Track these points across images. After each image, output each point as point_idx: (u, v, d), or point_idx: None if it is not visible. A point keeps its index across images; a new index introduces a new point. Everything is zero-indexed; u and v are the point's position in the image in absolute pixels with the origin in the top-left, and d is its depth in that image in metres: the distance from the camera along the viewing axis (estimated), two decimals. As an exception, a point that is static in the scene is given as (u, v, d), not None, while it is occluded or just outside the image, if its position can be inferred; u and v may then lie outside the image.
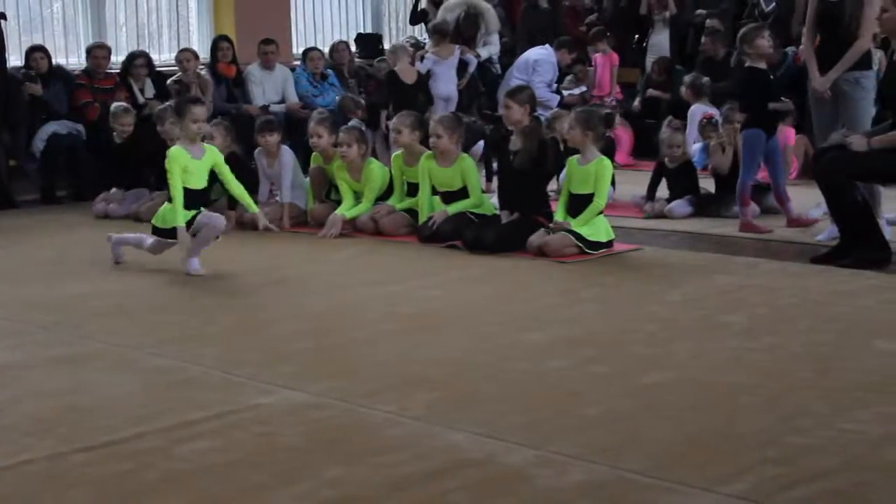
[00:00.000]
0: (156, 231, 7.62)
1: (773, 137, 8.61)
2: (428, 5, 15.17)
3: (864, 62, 7.92)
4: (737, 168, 9.04)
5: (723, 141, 9.63)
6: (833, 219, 7.61)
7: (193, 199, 7.54)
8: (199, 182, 7.59)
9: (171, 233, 7.50)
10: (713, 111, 11.23)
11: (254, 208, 7.80)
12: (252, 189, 8.89)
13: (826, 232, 8.06)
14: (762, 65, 8.51)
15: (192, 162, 7.50)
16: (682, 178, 9.62)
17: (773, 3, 13.51)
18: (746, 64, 8.61)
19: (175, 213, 7.44)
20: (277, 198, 9.41)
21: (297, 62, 13.37)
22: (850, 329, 5.92)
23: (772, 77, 8.82)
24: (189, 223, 7.46)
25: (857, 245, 7.37)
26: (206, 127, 7.63)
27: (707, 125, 10.75)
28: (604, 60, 13.76)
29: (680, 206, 9.40)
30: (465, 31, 13.39)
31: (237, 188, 7.78)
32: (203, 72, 12.11)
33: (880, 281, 6.95)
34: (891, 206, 8.32)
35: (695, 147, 11.40)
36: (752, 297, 6.62)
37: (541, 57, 12.64)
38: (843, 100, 8.17)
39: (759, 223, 8.62)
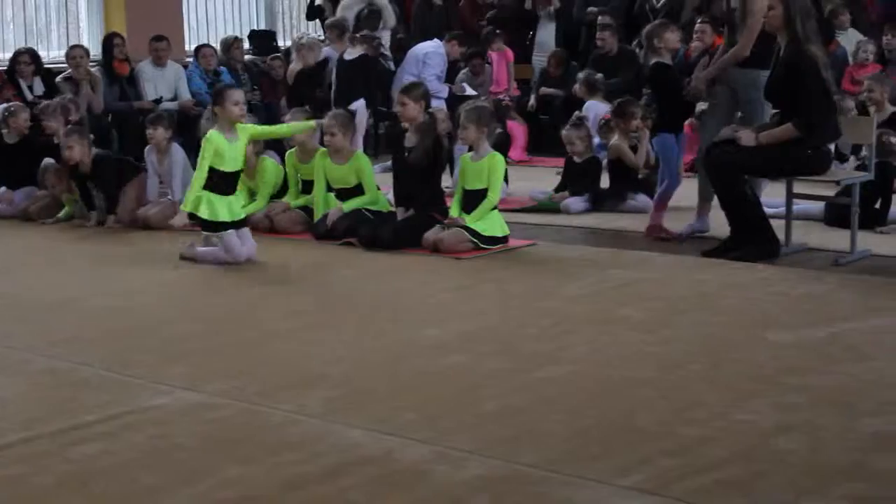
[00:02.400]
0: (203, 224, 7.66)
1: (679, 136, 8.43)
2: (324, 1, 15.13)
3: (763, 62, 8.02)
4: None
5: (618, 139, 9.69)
6: (724, 212, 7.70)
7: (226, 181, 7.65)
8: (234, 165, 7.66)
9: (218, 225, 7.60)
10: (608, 108, 11.32)
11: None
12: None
13: (685, 226, 8.17)
14: (667, 60, 8.47)
15: (228, 146, 7.61)
16: (585, 174, 9.63)
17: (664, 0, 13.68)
18: (652, 60, 8.48)
19: (189, 197, 7.61)
20: (168, 196, 9.27)
21: (190, 59, 13.24)
22: (742, 321, 6.02)
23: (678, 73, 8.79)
24: (237, 223, 7.66)
25: (747, 238, 7.49)
26: (244, 109, 7.82)
27: (605, 126, 10.85)
28: (499, 57, 13.78)
29: (576, 202, 9.46)
30: (366, 27, 13.36)
31: (285, 128, 8.40)
32: (94, 69, 11.94)
33: (770, 273, 7.07)
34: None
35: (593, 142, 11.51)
36: (646, 291, 6.70)
37: (430, 50, 12.66)
38: (741, 99, 8.27)
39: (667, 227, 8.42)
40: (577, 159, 9.72)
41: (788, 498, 3.79)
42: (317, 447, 4.30)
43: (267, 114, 12.13)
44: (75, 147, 9.03)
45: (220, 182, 7.61)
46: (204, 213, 7.57)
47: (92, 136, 9.54)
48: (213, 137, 7.59)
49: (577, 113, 10.16)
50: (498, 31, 13.88)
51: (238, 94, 7.74)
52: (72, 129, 9.27)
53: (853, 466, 4.05)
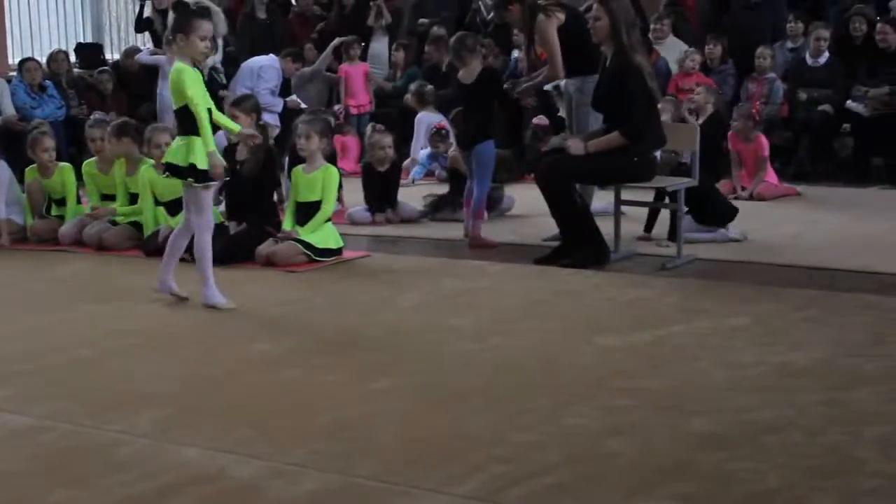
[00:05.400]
0: (176, 171, 6.56)
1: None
2: (153, 13, 14.90)
3: (588, 69, 8.20)
4: None
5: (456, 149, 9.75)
6: (554, 220, 7.82)
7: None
8: (206, 102, 6.61)
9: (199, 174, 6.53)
10: (441, 119, 11.42)
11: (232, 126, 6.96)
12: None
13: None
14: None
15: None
16: (387, 183, 9.55)
17: (494, 11, 13.82)
18: (477, 69, 8.57)
19: (207, 140, 6.48)
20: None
21: (14, 73, 12.92)
22: (573, 327, 6.12)
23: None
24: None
25: (577, 245, 7.62)
26: (210, 47, 6.78)
27: (436, 135, 10.92)
28: (356, 70, 13.64)
29: (360, 211, 9.43)
30: None
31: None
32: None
33: (600, 279, 7.20)
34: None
35: (422, 153, 11.60)
36: (479, 300, 6.77)
37: (265, 63, 12.60)
38: (573, 106, 8.48)
39: (489, 237, 8.50)
40: (379, 168, 9.56)
41: (617, 499, 3.87)
42: (148, 467, 4.24)
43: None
44: None
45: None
46: (203, 163, 6.53)
47: None
48: (188, 68, 6.51)
49: (375, 126, 10.23)
50: (363, 42, 13.79)
51: (207, 28, 6.59)
52: None
53: (680, 466, 4.15)
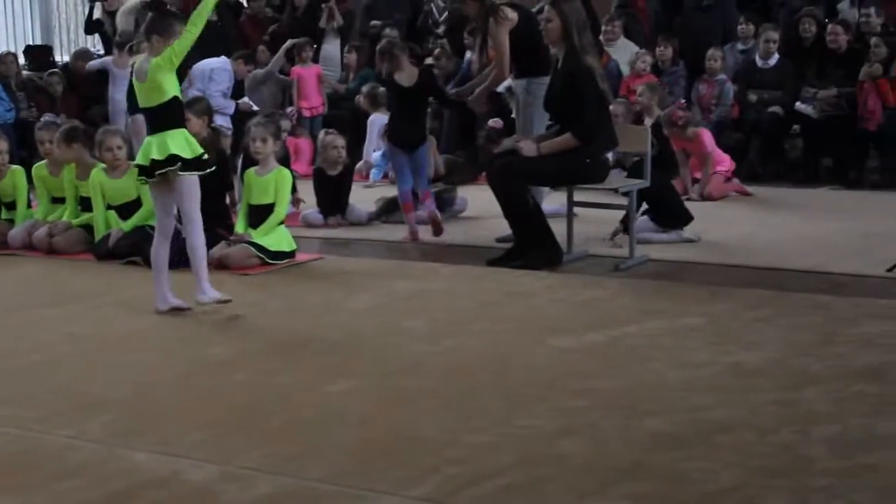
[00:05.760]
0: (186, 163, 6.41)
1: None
2: (103, 14, 14.83)
3: (537, 70, 8.24)
4: None
5: None
6: (507, 221, 7.83)
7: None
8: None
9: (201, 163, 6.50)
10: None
11: None
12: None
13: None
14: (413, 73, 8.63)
15: None
16: (339, 188, 9.54)
17: (446, 13, 13.83)
18: (419, 69, 8.68)
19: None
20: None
21: (-39, 75, 12.80)
22: (526, 328, 6.13)
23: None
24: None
25: (529, 246, 7.64)
26: None
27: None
28: (308, 72, 13.57)
29: (314, 213, 9.41)
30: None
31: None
32: None
33: (552, 280, 7.22)
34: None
35: (375, 154, 11.59)
36: (432, 302, 6.77)
37: (217, 66, 12.55)
38: (520, 107, 8.51)
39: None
40: (330, 172, 9.52)
41: (570, 500, 3.88)
42: (100, 472, 4.21)
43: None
44: None
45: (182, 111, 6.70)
46: (185, 152, 6.44)
47: None
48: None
49: (328, 130, 10.27)
50: (315, 45, 13.76)
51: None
52: None
53: (634, 466, 4.17)
